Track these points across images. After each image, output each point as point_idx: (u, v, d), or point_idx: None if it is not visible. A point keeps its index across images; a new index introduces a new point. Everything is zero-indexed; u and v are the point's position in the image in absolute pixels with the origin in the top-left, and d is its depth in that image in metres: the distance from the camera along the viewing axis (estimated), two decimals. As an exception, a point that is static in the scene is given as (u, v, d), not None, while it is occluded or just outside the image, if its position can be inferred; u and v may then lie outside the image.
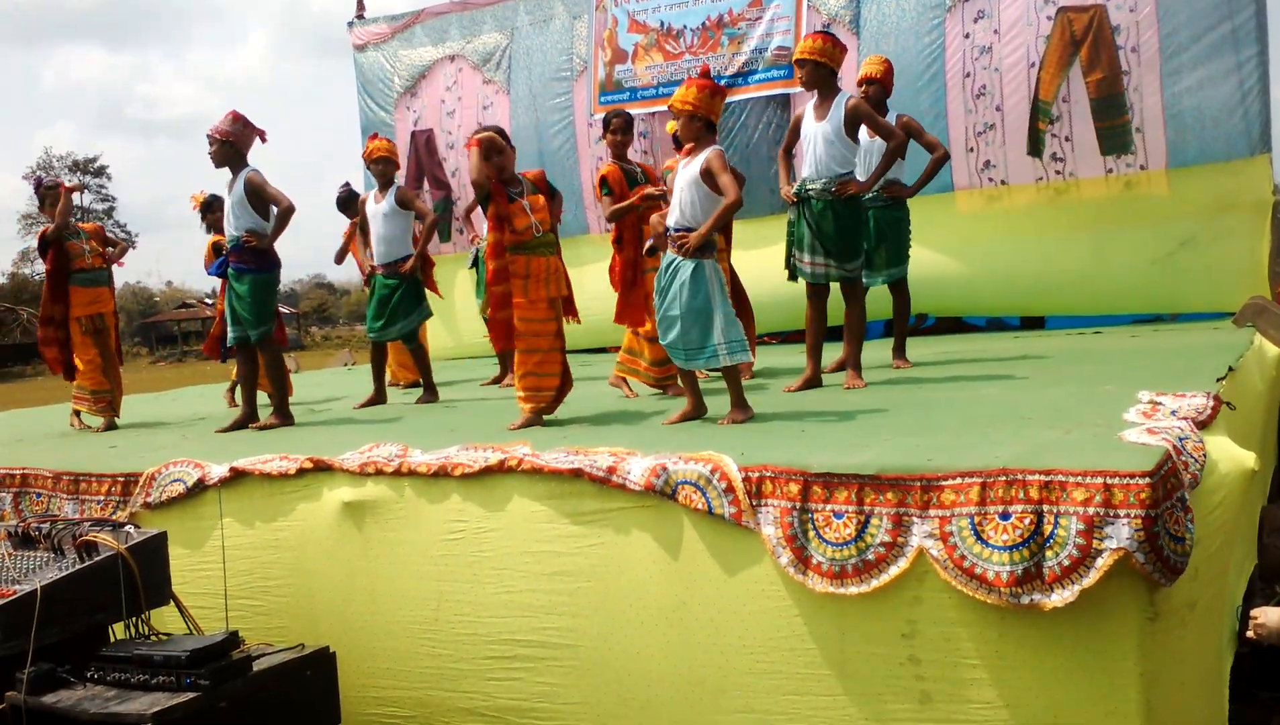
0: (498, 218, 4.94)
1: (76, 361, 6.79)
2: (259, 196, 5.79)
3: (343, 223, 8.67)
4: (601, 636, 3.59)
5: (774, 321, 8.80)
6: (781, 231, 5.85)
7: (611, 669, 3.57)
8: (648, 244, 5.48)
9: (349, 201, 8.58)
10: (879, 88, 6.39)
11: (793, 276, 5.79)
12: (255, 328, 5.88)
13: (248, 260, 5.85)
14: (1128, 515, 2.79)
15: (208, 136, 5.85)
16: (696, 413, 4.71)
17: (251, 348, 6.00)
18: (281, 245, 5.93)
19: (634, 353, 6.02)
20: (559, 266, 5.13)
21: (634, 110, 9.30)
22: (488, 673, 3.80)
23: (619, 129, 6.11)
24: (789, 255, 5.75)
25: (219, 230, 7.79)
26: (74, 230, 6.84)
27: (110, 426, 6.77)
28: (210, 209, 7.93)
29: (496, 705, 3.80)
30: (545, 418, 4.98)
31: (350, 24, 11.94)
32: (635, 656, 3.53)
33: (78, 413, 7.03)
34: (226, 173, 5.90)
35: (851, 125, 5.48)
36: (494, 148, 4.95)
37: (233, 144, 5.82)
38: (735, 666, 3.35)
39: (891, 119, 6.31)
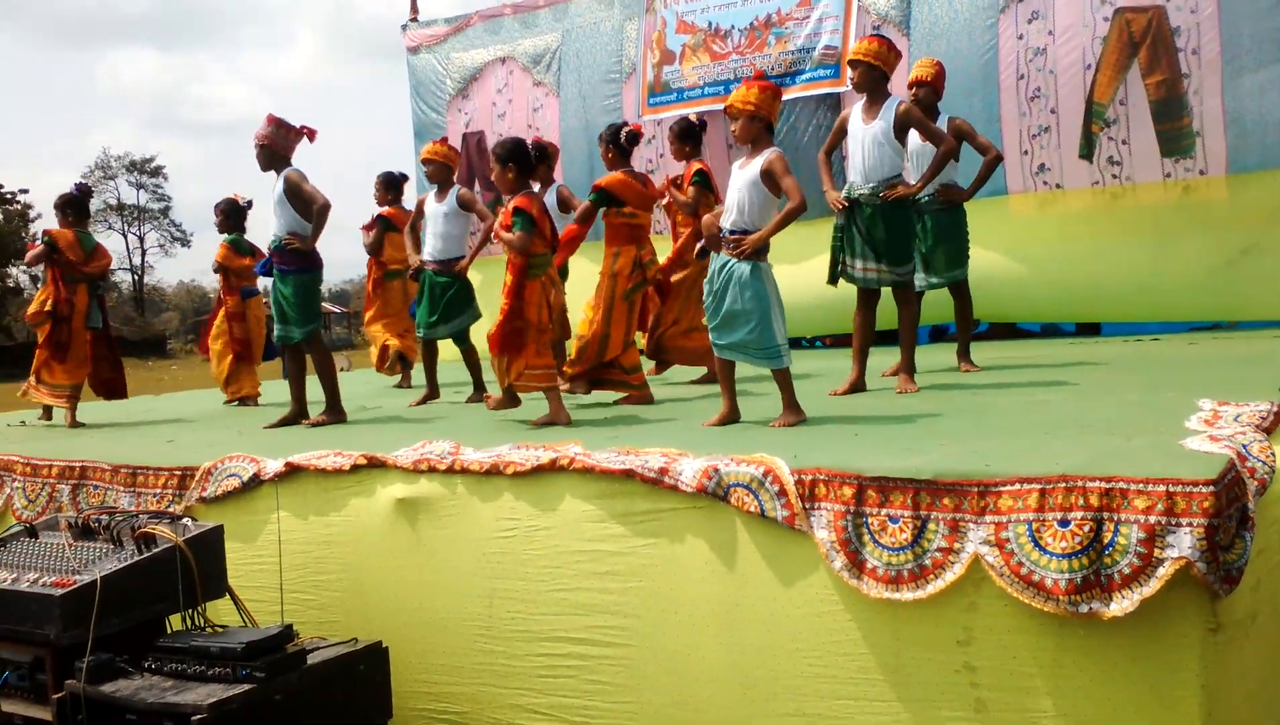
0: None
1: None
2: (297, 195, 5.86)
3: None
4: (653, 636, 3.58)
5: (820, 325, 8.75)
6: (828, 234, 5.80)
7: (663, 669, 3.57)
8: (698, 246, 5.42)
9: (395, 183, 8.66)
10: (929, 91, 6.33)
11: (833, 281, 5.72)
12: (301, 327, 5.94)
13: (289, 261, 5.92)
14: (1190, 524, 2.74)
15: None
16: (734, 417, 4.66)
17: (298, 346, 6.08)
18: (332, 246, 6.06)
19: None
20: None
21: (682, 111, 9.35)
22: (540, 670, 3.82)
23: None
24: (835, 261, 5.67)
25: (225, 230, 8.08)
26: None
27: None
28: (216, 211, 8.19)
29: (549, 702, 3.81)
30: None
31: (404, 27, 12.05)
32: (687, 657, 3.52)
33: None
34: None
35: (901, 129, 5.44)
36: None
37: (268, 147, 5.93)
38: (787, 669, 3.33)
39: (943, 122, 6.26)
